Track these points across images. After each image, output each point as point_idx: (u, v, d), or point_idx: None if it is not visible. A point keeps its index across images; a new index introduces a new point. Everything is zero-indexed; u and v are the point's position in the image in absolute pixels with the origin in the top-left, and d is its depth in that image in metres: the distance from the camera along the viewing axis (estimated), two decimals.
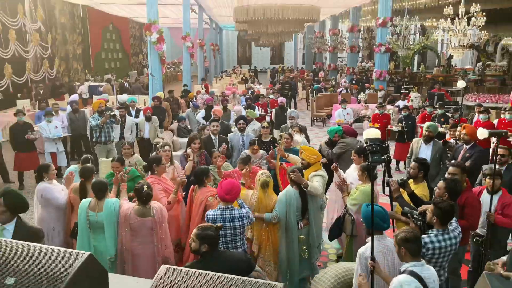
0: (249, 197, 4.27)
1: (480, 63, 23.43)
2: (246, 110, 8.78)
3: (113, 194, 4.31)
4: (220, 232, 3.16)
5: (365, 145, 3.17)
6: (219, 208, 3.70)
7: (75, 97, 10.92)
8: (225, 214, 3.64)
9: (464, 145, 5.99)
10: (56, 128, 8.04)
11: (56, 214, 4.60)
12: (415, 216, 3.33)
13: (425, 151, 6.19)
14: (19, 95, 14.26)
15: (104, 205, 3.94)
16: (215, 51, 28.12)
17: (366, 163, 4.39)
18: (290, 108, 17.54)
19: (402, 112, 9.40)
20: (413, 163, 4.33)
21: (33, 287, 2.02)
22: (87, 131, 8.13)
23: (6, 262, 2.15)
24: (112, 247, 3.92)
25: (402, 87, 17.79)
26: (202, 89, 15.61)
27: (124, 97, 10.65)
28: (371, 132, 3.22)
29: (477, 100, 12.43)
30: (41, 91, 14.17)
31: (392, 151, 9.30)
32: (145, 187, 3.82)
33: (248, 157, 5.15)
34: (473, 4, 11.57)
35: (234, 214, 3.65)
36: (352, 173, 4.96)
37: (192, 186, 4.63)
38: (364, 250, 3.17)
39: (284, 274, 4.34)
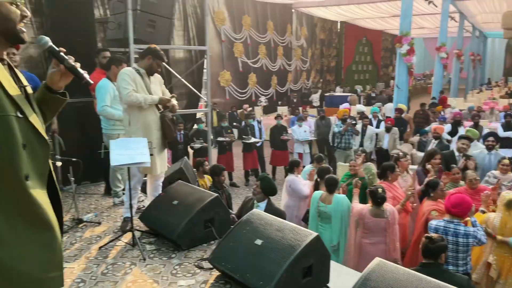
0: (491, 219, 3.94)
1: None
2: (467, 129, 7.30)
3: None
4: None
5: None
6: (444, 220, 3.59)
7: (345, 105, 12.01)
8: (449, 227, 3.51)
9: None
10: (304, 132, 9.17)
11: (298, 203, 5.43)
12: None
13: None
14: (279, 102, 16.80)
15: (333, 199, 4.43)
16: (475, 61, 25.32)
17: None
18: None
19: None
20: None
21: (274, 249, 2.60)
22: (329, 137, 8.92)
23: (258, 227, 2.84)
24: (335, 237, 4.37)
25: None
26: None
27: (362, 108, 11.12)
28: None
29: None
30: (295, 100, 16.41)
31: None
32: (380, 189, 4.06)
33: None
34: None
35: (459, 230, 3.47)
36: None
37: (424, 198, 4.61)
38: None
39: None
